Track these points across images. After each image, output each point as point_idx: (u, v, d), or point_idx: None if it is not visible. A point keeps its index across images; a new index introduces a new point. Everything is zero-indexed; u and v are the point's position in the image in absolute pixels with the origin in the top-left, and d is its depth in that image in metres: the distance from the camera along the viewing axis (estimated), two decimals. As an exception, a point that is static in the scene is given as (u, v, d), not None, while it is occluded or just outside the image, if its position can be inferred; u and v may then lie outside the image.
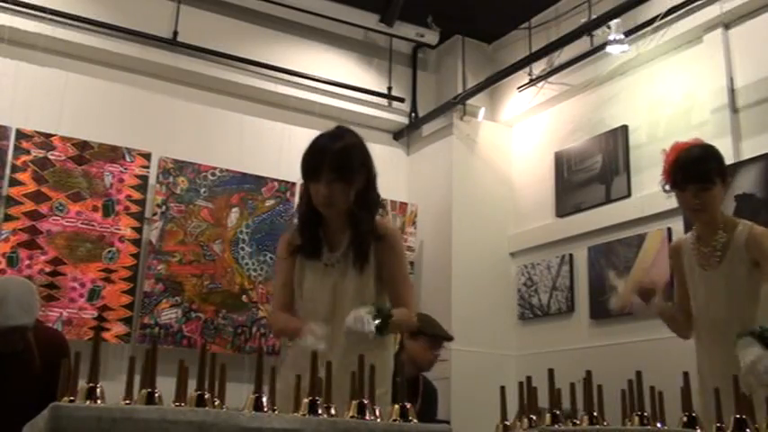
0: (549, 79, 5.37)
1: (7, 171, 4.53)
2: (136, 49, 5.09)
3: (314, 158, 2.64)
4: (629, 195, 4.77)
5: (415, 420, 1.83)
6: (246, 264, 5.09)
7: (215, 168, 5.12)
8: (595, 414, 2.00)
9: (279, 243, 2.80)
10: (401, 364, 3.97)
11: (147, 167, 4.90)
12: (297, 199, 5.27)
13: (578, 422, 2.01)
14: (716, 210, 2.83)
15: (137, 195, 4.86)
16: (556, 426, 1.98)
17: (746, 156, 4.17)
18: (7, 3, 4.69)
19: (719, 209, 2.86)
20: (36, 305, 3.11)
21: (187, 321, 4.83)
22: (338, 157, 2.61)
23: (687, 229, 4.27)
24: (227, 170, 5.16)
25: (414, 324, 2.70)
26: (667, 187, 2.94)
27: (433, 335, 4.09)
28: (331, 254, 2.62)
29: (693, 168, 2.79)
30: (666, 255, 4.41)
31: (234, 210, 5.13)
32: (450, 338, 4.24)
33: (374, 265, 2.59)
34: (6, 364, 3.06)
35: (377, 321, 2.37)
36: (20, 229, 4.50)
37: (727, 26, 4.42)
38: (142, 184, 4.87)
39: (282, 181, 5.31)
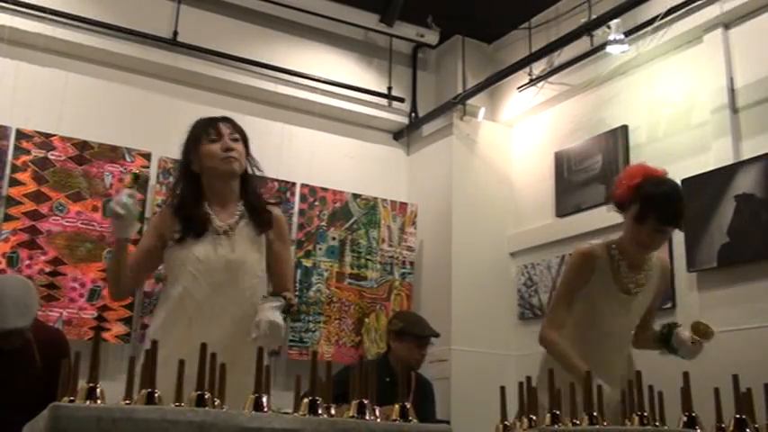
0: (549, 79, 5.37)
1: (7, 171, 4.53)
2: (136, 49, 5.09)
3: (209, 121, 2.70)
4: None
5: (415, 420, 1.83)
6: (246, 264, 5.08)
7: (215, 168, 5.11)
8: (595, 414, 2.00)
9: (156, 216, 2.72)
10: (394, 365, 3.98)
11: (147, 167, 4.90)
12: (297, 199, 5.35)
13: (578, 422, 2.01)
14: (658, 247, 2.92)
15: (137, 196, 4.84)
16: (556, 426, 1.98)
17: (746, 156, 4.17)
18: (7, 3, 4.69)
19: None
20: (34, 305, 3.08)
21: (187, 321, 4.82)
22: (232, 121, 2.74)
23: (687, 228, 4.26)
24: (227, 170, 5.15)
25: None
26: (614, 207, 2.95)
27: (417, 335, 4.07)
28: (222, 223, 2.57)
29: (680, 214, 2.81)
30: (666, 254, 4.43)
31: (234, 210, 5.13)
32: (435, 335, 4.23)
33: (265, 244, 2.62)
34: (6, 363, 3.05)
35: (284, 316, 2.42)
36: (20, 229, 4.50)
37: (727, 26, 4.42)
38: (142, 184, 4.87)
39: (282, 181, 5.31)
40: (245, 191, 2.66)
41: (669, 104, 4.72)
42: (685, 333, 2.95)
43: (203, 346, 1.75)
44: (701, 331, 2.93)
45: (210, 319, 2.46)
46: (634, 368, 2.76)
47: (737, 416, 1.98)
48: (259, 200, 2.68)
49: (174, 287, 2.53)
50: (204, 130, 2.66)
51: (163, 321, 2.51)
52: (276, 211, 2.73)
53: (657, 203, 2.76)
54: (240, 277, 2.53)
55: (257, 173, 2.75)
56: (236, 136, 2.67)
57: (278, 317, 2.38)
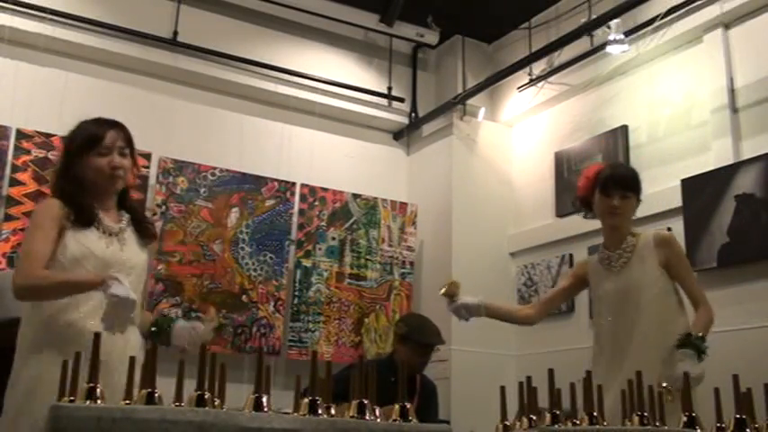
0: (549, 79, 5.37)
1: (7, 171, 4.53)
2: (136, 49, 5.09)
3: (99, 130, 2.62)
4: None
5: (415, 420, 1.83)
6: (246, 264, 5.09)
7: (215, 168, 5.12)
8: (595, 414, 2.00)
9: (45, 206, 2.57)
10: (402, 365, 3.95)
11: (147, 167, 4.89)
12: (297, 199, 5.35)
13: (578, 422, 2.01)
14: (629, 217, 3.15)
15: (137, 195, 4.84)
16: (556, 426, 1.98)
17: (746, 156, 4.17)
18: (7, 3, 4.69)
19: (630, 219, 3.15)
20: None
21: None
22: (124, 129, 2.70)
23: (687, 229, 4.28)
24: (226, 170, 5.16)
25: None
26: (576, 204, 3.35)
27: (419, 342, 4.02)
28: (112, 224, 2.56)
29: (622, 178, 3.14)
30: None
31: (234, 210, 5.14)
32: (439, 343, 4.15)
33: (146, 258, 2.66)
34: (8, 362, 3.03)
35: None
36: (20, 229, 4.49)
37: (727, 26, 4.42)
38: (142, 184, 4.86)
39: (282, 181, 5.31)
40: (124, 200, 2.68)
41: (669, 104, 4.72)
42: (682, 366, 2.71)
43: (203, 349, 1.75)
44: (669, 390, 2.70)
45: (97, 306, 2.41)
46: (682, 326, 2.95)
47: (737, 416, 1.98)
48: (142, 213, 2.76)
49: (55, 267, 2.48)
50: (94, 140, 2.58)
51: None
52: (154, 228, 2.82)
53: (606, 170, 3.16)
54: (133, 279, 2.53)
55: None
56: (126, 151, 2.63)
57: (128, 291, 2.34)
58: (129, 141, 2.67)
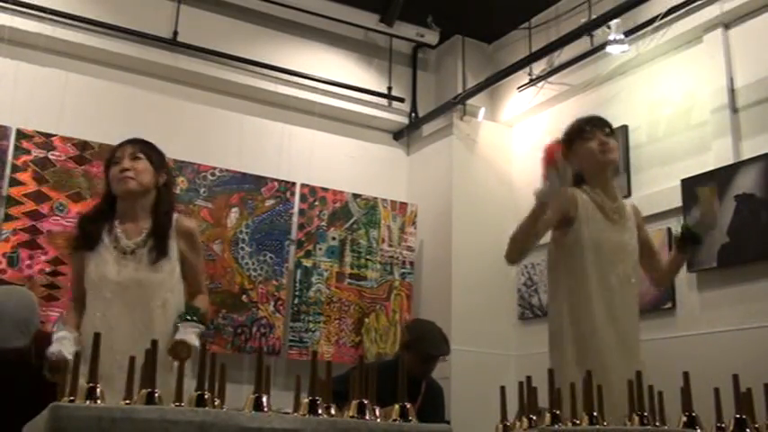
0: (549, 79, 5.37)
1: (7, 171, 4.53)
2: (136, 49, 5.09)
3: (117, 146, 2.87)
4: (629, 195, 4.76)
5: (415, 420, 1.83)
6: (246, 264, 5.09)
7: (215, 168, 5.12)
8: (595, 414, 2.00)
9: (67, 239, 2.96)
10: (402, 365, 3.95)
11: (147, 167, 4.89)
12: (297, 199, 5.35)
13: (578, 422, 2.01)
14: (618, 159, 3.11)
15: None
16: (556, 426, 1.98)
17: (746, 156, 4.17)
18: (7, 3, 4.69)
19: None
20: (35, 321, 3.03)
21: (187, 321, 4.82)
22: (141, 142, 2.87)
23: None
24: (226, 170, 5.16)
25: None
26: (543, 189, 2.84)
27: (422, 352, 4.00)
28: (128, 240, 2.71)
29: (595, 118, 3.06)
30: (666, 254, 4.43)
31: (234, 210, 5.14)
32: (442, 353, 4.11)
33: (176, 256, 2.76)
34: (4, 370, 3.00)
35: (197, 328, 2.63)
36: (20, 229, 4.50)
37: (727, 26, 4.42)
38: (142, 184, 4.87)
39: (282, 181, 5.31)
40: (157, 205, 2.80)
41: (669, 104, 4.72)
42: (693, 216, 3.05)
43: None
44: (706, 194, 3.07)
45: (116, 329, 2.59)
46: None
47: (737, 416, 1.98)
48: (167, 213, 2.81)
49: (90, 307, 2.70)
50: (110, 156, 2.83)
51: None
52: (186, 221, 2.90)
53: (581, 120, 3.06)
54: (149, 295, 2.66)
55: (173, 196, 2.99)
56: (138, 155, 2.79)
57: (196, 341, 2.54)
58: (142, 149, 2.82)
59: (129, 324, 2.62)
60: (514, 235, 2.89)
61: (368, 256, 5.50)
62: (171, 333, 2.61)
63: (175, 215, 2.85)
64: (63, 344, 2.55)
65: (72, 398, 1.71)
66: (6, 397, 2.94)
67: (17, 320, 2.92)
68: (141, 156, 2.79)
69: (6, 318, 2.90)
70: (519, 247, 2.91)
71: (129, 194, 2.76)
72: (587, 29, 4.90)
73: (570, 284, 2.87)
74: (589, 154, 2.95)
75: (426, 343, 4.00)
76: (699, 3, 4.43)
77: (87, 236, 2.72)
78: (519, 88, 5.59)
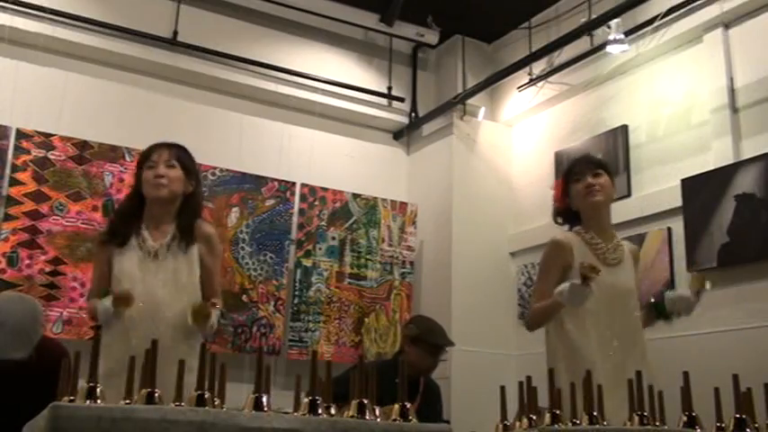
0: (549, 79, 5.37)
1: (7, 171, 4.53)
2: (136, 49, 5.09)
3: (151, 148, 2.94)
4: (629, 195, 4.77)
5: (415, 420, 1.83)
6: (246, 264, 5.09)
7: (215, 168, 5.12)
8: (595, 414, 2.00)
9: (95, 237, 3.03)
10: (402, 365, 3.95)
11: (147, 167, 4.89)
12: (297, 198, 5.35)
13: (578, 422, 2.01)
14: (610, 198, 3.04)
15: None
16: (556, 426, 1.98)
17: (746, 156, 4.17)
18: (7, 3, 4.69)
19: (610, 203, 3.06)
20: (38, 332, 2.98)
21: (187, 321, 4.82)
22: (175, 147, 2.96)
23: (687, 228, 4.28)
24: (227, 170, 5.16)
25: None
26: (559, 219, 3.16)
27: (431, 344, 4.02)
28: (154, 242, 2.81)
29: (588, 158, 3.20)
30: (666, 254, 4.44)
31: (234, 209, 5.14)
32: (450, 344, 4.17)
33: (197, 260, 2.86)
34: (4, 375, 2.97)
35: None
36: (20, 229, 4.50)
37: (727, 26, 4.42)
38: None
39: (282, 181, 5.31)
40: (183, 210, 2.90)
41: (669, 104, 4.72)
42: (675, 292, 3.03)
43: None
44: (698, 282, 3.05)
45: (148, 328, 2.65)
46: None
47: (737, 416, 1.98)
48: (190, 219, 2.91)
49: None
50: (146, 157, 2.91)
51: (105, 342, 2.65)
52: (207, 227, 2.99)
53: (573, 161, 3.19)
54: (176, 296, 2.76)
55: (200, 200, 3.06)
56: (173, 162, 2.87)
57: (214, 317, 2.75)
58: (178, 156, 2.91)
59: (159, 317, 2.72)
60: (537, 317, 3.00)
61: (368, 256, 5.50)
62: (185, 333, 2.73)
63: (198, 221, 2.94)
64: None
65: (72, 398, 1.71)
66: (8, 388, 2.91)
67: (18, 330, 2.88)
68: (176, 163, 2.87)
69: (8, 327, 2.86)
70: (539, 324, 3.02)
71: (162, 200, 2.85)
72: (587, 29, 4.90)
73: (568, 327, 2.88)
74: (577, 196, 3.02)
75: (436, 334, 4.03)
76: (699, 3, 4.43)
77: (119, 233, 2.81)
78: (519, 88, 5.59)
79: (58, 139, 4.69)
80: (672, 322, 3.08)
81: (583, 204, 3.01)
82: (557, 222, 3.17)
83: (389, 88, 5.97)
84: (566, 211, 3.10)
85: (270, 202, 5.26)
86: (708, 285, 2.99)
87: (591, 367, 2.55)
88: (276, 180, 5.29)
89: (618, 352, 2.83)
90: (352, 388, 1.84)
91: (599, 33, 4.87)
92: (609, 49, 4.72)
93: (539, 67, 5.41)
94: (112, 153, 4.83)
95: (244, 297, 5.03)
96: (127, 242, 2.78)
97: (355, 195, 5.57)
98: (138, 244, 2.79)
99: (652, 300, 3.07)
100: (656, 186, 4.64)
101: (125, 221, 2.86)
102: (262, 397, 1.73)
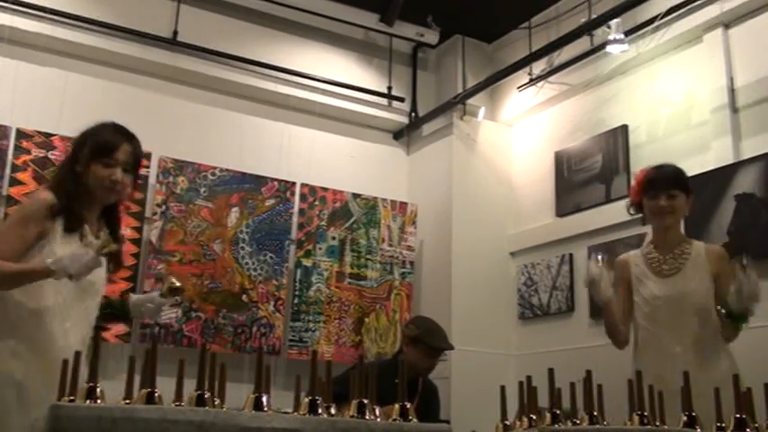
0: (549, 79, 5.37)
1: (7, 171, 4.53)
2: (136, 49, 5.09)
3: (111, 140, 2.61)
4: (629, 195, 4.76)
5: (415, 419, 1.83)
6: (246, 263, 5.09)
7: (215, 168, 5.12)
8: (595, 414, 2.00)
9: (35, 204, 2.51)
10: (402, 365, 3.94)
11: (147, 167, 4.87)
12: (297, 198, 5.35)
13: (578, 422, 2.01)
14: (681, 217, 3.18)
15: (137, 195, 4.84)
16: (556, 426, 1.98)
17: (746, 155, 4.17)
18: (7, 3, 4.69)
19: (681, 221, 3.21)
20: None
21: (187, 321, 4.83)
22: (135, 145, 2.66)
23: (687, 229, 4.27)
24: (226, 170, 5.16)
25: None
26: (632, 210, 3.29)
27: (430, 346, 4.01)
28: (91, 239, 2.53)
29: (664, 176, 3.17)
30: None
31: (234, 209, 5.14)
32: (450, 348, 4.16)
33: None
34: None
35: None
36: (20, 229, 4.49)
37: (727, 26, 4.42)
38: (142, 184, 4.86)
39: (282, 181, 5.32)
40: (108, 213, 2.66)
41: (669, 104, 4.72)
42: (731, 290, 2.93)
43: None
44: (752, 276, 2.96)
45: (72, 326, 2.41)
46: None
47: (737, 416, 1.98)
48: (117, 227, 2.71)
49: (45, 299, 2.43)
50: (105, 150, 2.58)
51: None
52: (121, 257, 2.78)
53: (650, 173, 3.19)
54: (91, 297, 2.53)
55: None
56: (128, 167, 2.59)
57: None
58: (137, 160, 2.65)
59: (80, 311, 2.47)
60: (607, 332, 3.20)
61: (368, 256, 5.50)
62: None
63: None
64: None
65: (72, 398, 1.71)
66: None
67: None
68: (129, 168, 2.61)
69: None
70: (615, 336, 3.18)
71: (103, 203, 2.63)
72: (587, 29, 4.90)
73: (639, 335, 3.13)
74: (648, 212, 3.16)
75: (435, 336, 4.02)
76: (699, 3, 4.43)
77: (77, 219, 2.52)
78: (519, 88, 5.59)
79: (59, 139, 4.69)
80: (748, 323, 3.03)
81: (652, 222, 3.18)
82: (629, 212, 3.32)
83: (389, 88, 5.97)
84: (639, 208, 3.23)
85: (270, 202, 5.26)
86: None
87: (654, 377, 2.53)
88: (276, 180, 5.30)
89: (680, 356, 2.92)
90: (352, 388, 1.84)
91: (599, 33, 4.87)
92: (609, 49, 4.72)
93: (539, 66, 5.41)
94: (112, 153, 4.82)
95: (244, 297, 5.03)
96: (74, 231, 2.49)
97: (355, 195, 5.57)
98: (79, 236, 2.51)
99: (719, 307, 3.00)
100: (656, 186, 4.63)
101: (76, 208, 2.53)
102: (262, 397, 1.73)
